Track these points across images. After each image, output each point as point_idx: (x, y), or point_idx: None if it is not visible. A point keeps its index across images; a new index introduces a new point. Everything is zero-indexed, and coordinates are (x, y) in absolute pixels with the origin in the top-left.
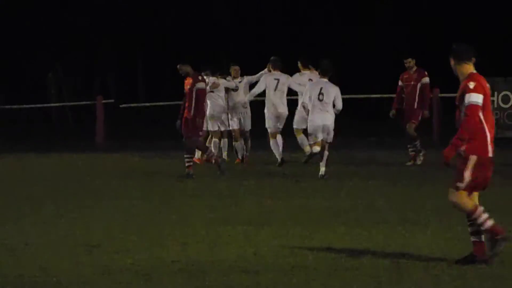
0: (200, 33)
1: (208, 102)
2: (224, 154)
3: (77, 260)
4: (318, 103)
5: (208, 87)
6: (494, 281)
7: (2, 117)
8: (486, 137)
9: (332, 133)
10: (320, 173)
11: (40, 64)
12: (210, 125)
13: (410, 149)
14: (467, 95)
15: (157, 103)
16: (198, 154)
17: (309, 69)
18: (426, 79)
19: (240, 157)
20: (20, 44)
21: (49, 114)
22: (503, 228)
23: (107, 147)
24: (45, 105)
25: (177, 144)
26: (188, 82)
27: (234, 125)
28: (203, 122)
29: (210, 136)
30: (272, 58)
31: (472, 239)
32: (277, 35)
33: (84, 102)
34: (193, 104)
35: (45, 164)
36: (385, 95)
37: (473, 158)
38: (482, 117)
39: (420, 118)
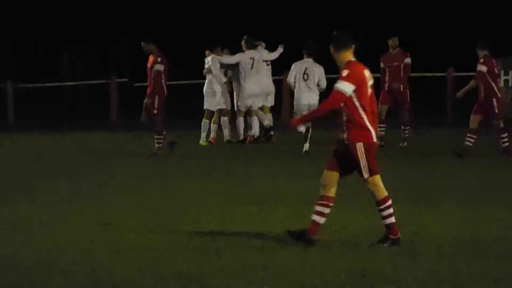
0: (212, 12)
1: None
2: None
3: (91, 238)
4: (303, 82)
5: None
6: (510, 261)
7: (16, 96)
8: (366, 124)
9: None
10: (304, 149)
11: (54, 43)
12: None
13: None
14: (338, 81)
15: (170, 82)
16: (214, 133)
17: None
18: (409, 60)
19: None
20: (34, 23)
21: (64, 93)
22: (398, 231)
23: (121, 126)
24: (60, 84)
25: (192, 123)
26: (150, 60)
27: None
28: (160, 102)
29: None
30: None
31: (313, 218)
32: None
33: (98, 81)
34: (152, 84)
35: (59, 143)
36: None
37: (359, 145)
38: (358, 105)
39: (408, 99)
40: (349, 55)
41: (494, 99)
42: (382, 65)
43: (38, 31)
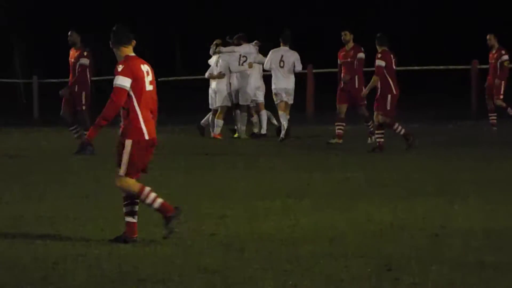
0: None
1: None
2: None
3: (118, 233)
4: (280, 69)
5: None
6: None
7: (41, 91)
8: (139, 120)
9: (292, 95)
10: (281, 136)
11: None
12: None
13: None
14: (115, 78)
15: (196, 77)
16: (217, 129)
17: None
18: (361, 55)
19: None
20: (57, 17)
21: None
22: (172, 206)
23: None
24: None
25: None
26: (73, 54)
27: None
28: (87, 97)
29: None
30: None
31: (126, 219)
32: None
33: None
34: (77, 79)
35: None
36: (425, 67)
37: (128, 143)
38: (134, 100)
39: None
40: (127, 51)
41: (389, 95)
42: (338, 61)
43: (62, 27)
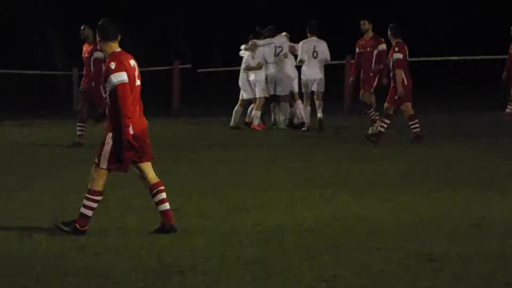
0: None
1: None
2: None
3: (158, 224)
4: (313, 60)
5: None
6: None
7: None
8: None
9: (323, 84)
10: (319, 116)
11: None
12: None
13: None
14: (111, 76)
15: (234, 68)
16: (256, 121)
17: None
18: (383, 46)
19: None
20: (96, 9)
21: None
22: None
23: (184, 112)
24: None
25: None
26: (86, 49)
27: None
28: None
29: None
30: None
31: (159, 209)
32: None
33: (161, 68)
34: (94, 73)
35: None
36: (467, 57)
37: (110, 136)
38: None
39: (375, 85)
40: (114, 46)
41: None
42: (357, 49)
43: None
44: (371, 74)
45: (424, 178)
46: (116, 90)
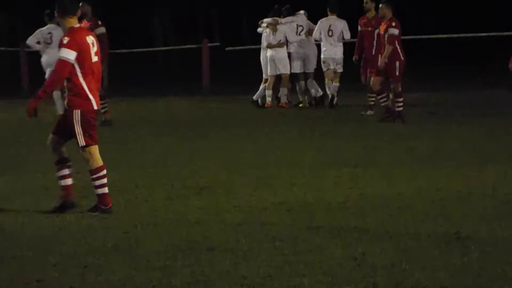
0: None
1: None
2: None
3: (187, 202)
4: (329, 38)
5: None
6: None
7: (110, 62)
8: (86, 91)
9: (341, 64)
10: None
11: (144, 9)
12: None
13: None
14: (60, 49)
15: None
16: (284, 98)
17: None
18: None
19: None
20: None
21: (156, 58)
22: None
23: (213, 90)
24: (152, 49)
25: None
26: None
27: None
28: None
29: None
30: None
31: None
32: None
33: (189, 46)
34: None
35: (152, 107)
36: (491, 33)
37: (76, 113)
38: (79, 72)
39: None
40: (73, 22)
41: (397, 62)
42: (359, 27)
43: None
44: (373, 54)
45: (453, 156)
46: (57, 63)
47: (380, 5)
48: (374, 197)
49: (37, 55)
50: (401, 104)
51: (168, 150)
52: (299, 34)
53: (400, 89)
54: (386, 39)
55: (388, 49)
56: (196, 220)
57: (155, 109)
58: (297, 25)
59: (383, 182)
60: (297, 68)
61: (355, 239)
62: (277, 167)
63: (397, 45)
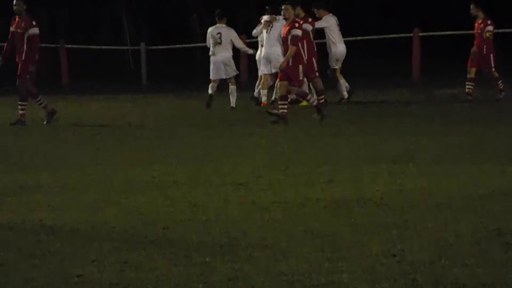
0: None
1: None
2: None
3: (225, 198)
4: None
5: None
6: None
7: (149, 58)
8: None
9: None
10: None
11: (183, 5)
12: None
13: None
14: None
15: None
16: (264, 98)
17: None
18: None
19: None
20: None
21: (194, 54)
22: None
23: (252, 86)
24: (190, 45)
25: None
26: (18, 23)
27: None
28: (35, 67)
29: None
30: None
31: None
32: None
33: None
34: (25, 49)
35: (190, 104)
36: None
37: None
38: None
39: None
40: None
41: (301, 65)
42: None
43: None
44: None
45: (493, 152)
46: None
47: (283, 6)
48: (413, 193)
49: (76, 51)
50: (285, 107)
51: (206, 147)
52: None
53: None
54: (289, 40)
55: (291, 50)
56: (235, 217)
57: (193, 105)
58: None
59: (422, 178)
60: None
61: (394, 236)
62: (315, 163)
63: (301, 47)
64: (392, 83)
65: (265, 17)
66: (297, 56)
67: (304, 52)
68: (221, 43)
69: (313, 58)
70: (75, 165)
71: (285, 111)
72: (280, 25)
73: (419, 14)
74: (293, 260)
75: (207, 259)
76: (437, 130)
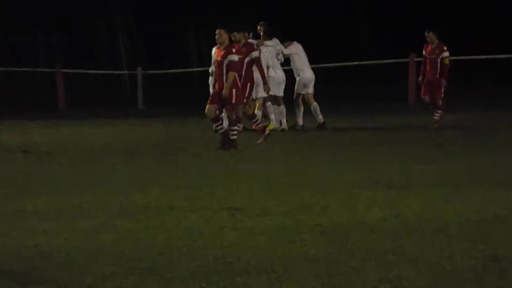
0: None
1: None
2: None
3: (221, 223)
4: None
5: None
6: None
7: (146, 83)
8: None
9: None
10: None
11: (178, 27)
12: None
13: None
14: None
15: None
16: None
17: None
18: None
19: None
20: (161, 11)
21: (191, 78)
22: None
23: None
24: (187, 70)
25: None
26: None
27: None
28: None
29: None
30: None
31: None
32: None
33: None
34: None
35: (188, 128)
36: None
37: None
38: None
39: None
40: None
41: (234, 89)
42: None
43: (165, 20)
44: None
45: (489, 178)
46: None
47: (217, 30)
48: (409, 219)
49: (72, 75)
50: (236, 132)
51: (203, 171)
52: (277, 58)
53: (234, 117)
54: (225, 66)
55: (230, 76)
56: (231, 242)
57: (190, 130)
58: (278, 48)
59: (418, 204)
60: (279, 91)
61: (391, 262)
62: (311, 188)
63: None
64: (388, 108)
65: (265, 42)
66: (232, 81)
67: (240, 76)
68: None
69: (249, 84)
70: (70, 189)
71: (235, 137)
72: (269, 50)
73: (414, 38)
74: (289, 285)
75: (203, 285)
76: (434, 156)
